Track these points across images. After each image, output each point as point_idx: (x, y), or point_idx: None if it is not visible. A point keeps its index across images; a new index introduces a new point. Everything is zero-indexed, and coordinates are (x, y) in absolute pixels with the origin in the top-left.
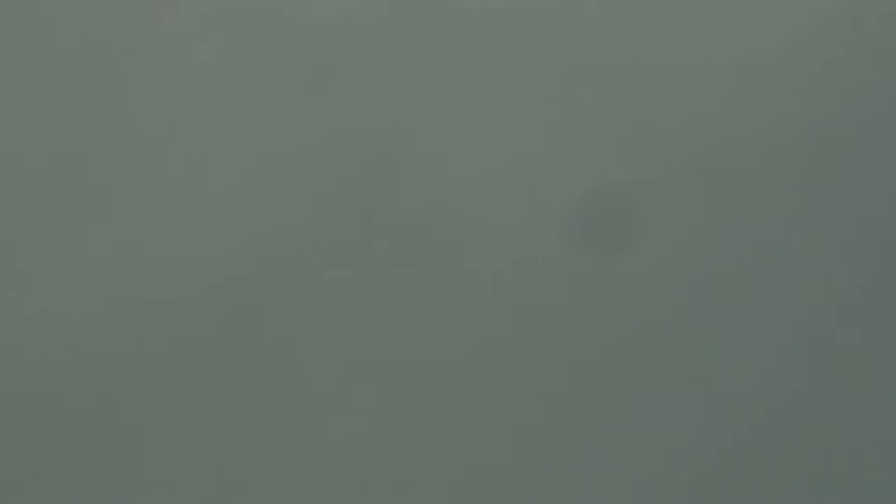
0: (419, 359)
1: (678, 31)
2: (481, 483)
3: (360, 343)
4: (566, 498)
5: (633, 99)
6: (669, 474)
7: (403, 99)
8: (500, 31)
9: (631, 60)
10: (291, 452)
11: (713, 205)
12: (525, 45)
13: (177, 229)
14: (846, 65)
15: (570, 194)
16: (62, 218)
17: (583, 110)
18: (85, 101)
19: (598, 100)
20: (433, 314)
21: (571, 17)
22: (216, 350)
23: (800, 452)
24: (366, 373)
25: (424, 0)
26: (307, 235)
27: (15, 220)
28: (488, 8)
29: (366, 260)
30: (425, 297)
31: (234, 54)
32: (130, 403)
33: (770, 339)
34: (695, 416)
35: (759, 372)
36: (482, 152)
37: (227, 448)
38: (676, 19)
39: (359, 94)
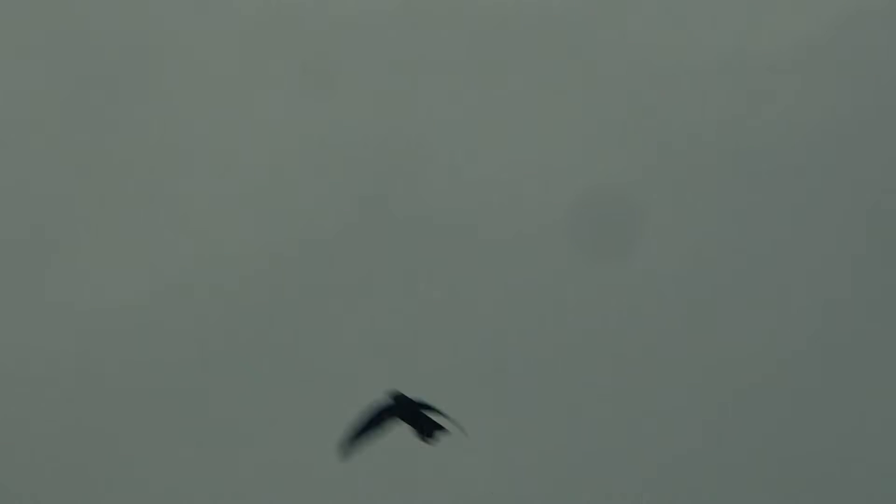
0: (439, 347)
1: (700, 30)
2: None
3: (379, 332)
4: (572, 487)
5: (651, 98)
6: (666, 468)
7: (426, 98)
8: (523, 34)
9: (650, 60)
10: (328, 436)
11: (735, 197)
12: (545, 47)
13: (210, 223)
14: (867, 63)
15: (589, 189)
16: (99, 215)
17: (599, 108)
18: (118, 103)
19: (614, 98)
20: (451, 304)
21: (590, 16)
22: (249, 339)
23: (794, 446)
24: (386, 358)
25: (446, 3)
26: (333, 228)
27: (54, 219)
28: (511, 12)
29: (388, 251)
30: (445, 287)
31: (264, 56)
32: (171, 392)
33: (770, 334)
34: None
35: (759, 369)
36: (501, 150)
37: (263, 433)
38: (698, 19)
39: (383, 95)
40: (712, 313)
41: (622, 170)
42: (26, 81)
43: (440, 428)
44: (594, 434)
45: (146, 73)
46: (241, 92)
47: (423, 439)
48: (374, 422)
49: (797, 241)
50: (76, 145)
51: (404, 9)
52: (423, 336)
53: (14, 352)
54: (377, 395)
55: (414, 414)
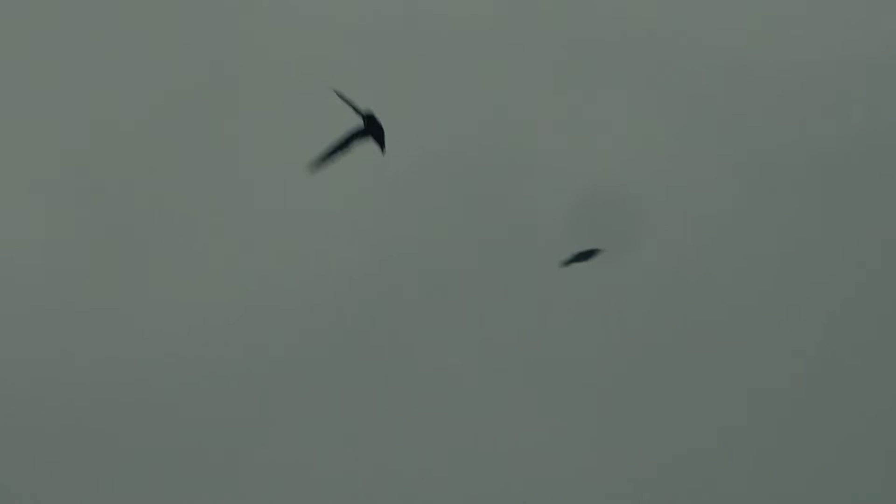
0: (538, 356)
1: (790, 34)
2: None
3: (477, 340)
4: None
5: (744, 103)
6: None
7: (526, 104)
8: (616, 41)
9: (741, 65)
10: (415, 451)
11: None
12: (640, 53)
13: (304, 236)
14: None
15: (687, 186)
16: (194, 228)
17: (695, 113)
18: (210, 113)
19: (710, 102)
20: (559, 312)
21: (683, 25)
22: (342, 352)
23: (793, 446)
24: (485, 370)
25: (544, 12)
26: (430, 237)
27: (147, 231)
28: (606, 20)
29: (486, 257)
30: (550, 288)
31: (365, 60)
32: (261, 402)
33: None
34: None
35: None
36: (599, 152)
37: (350, 447)
38: (786, 24)
39: (486, 99)
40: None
41: (712, 168)
42: (119, 94)
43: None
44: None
45: (242, 83)
46: (335, 99)
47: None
48: (345, 143)
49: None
50: (171, 158)
51: (499, 14)
52: (526, 338)
53: (120, 368)
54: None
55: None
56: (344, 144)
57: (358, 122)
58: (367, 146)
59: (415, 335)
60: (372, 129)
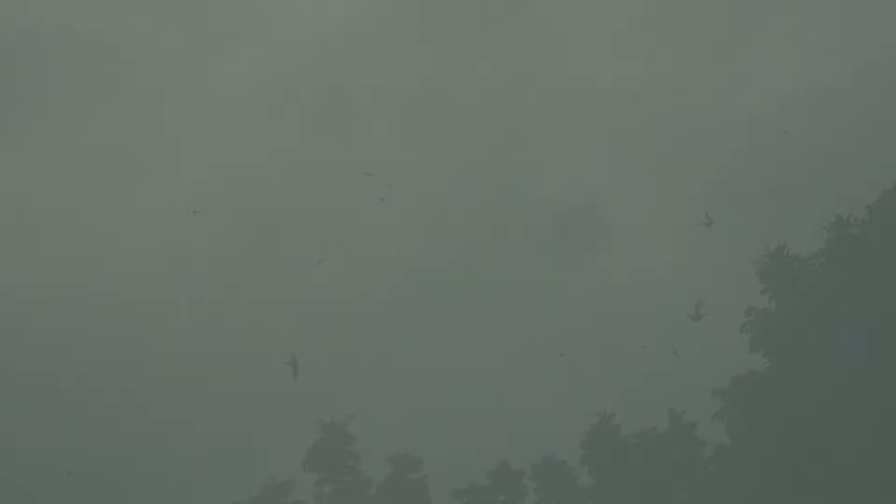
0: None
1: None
2: None
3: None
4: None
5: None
6: None
7: (532, 147)
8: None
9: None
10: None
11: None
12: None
13: (383, 241)
14: (851, 123)
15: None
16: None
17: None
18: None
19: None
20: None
21: (632, 99)
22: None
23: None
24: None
25: (550, 84)
26: (469, 245)
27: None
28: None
29: (522, 256)
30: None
31: (412, 124)
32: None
33: None
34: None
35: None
36: (585, 169)
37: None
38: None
39: (500, 145)
40: None
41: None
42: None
43: None
44: None
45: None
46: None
47: None
48: None
49: None
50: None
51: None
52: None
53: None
54: None
55: None
56: None
57: None
58: None
59: (455, 323)
60: None
